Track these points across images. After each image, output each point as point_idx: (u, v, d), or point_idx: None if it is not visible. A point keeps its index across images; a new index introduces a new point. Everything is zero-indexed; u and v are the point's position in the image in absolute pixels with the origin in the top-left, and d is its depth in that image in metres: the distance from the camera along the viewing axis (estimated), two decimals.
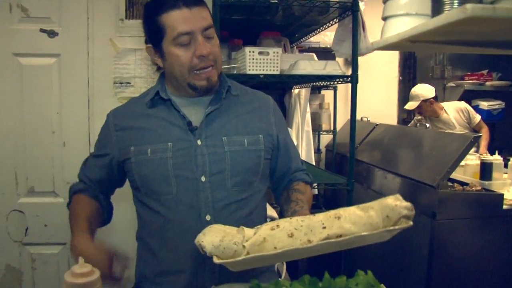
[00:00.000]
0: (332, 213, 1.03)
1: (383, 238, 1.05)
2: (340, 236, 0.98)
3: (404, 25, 0.92)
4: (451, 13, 0.73)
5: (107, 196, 1.49)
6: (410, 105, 4.10)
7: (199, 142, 1.30)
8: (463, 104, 4.13)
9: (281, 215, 1.41)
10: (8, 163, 2.21)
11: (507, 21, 0.72)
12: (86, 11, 2.20)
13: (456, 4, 0.77)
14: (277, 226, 1.01)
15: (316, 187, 2.95)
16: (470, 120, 4.08)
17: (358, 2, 2.22)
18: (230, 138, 1.33)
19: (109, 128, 1.39)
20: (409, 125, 4.38)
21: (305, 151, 3.52)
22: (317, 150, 4.22)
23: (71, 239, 1.24)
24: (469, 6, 0.70)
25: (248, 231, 1.02)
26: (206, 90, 1.32)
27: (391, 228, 1.00)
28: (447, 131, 3.90)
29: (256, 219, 1.13)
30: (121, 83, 2.23)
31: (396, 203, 1.02)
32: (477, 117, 4.08)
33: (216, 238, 1.00)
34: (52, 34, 2.17)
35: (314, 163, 3.56)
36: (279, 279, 0.94)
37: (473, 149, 3.59)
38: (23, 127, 2.21)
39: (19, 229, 2.25)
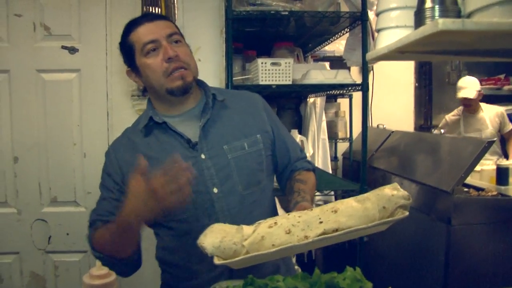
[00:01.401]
0: (329, 206, 1.05)
1: (380, 229, 1.05)
2: (337, 230, 0.99)
3: (395, 37, 0.96)
4: (426, 27, 0.78)
5: None
6: (470, 93, 3.92)
7: (203, 156, 1.34)
8: (500, 109, 4.10)
9: (289, 206, 1.42)
10: (32, 174, 2.30)
11: (477, 33, 0.76)
12: (105, 28, 2.29)
13: (437, 17, 0.82)
14: (275, 223, 1.03)
15: (331, 194, 2.98)
16: (502, 126, 4.04)
17: (367, 12, 2.26)
18: (231, 145, 1.37)
19: (114, 164, 1.39)
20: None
21: (322, 159, 3.55)
22: (334, 158, 4.24)
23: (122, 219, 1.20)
24: (440, 20, 0.75)
25: (247, 229, 1.03)
26: (183, 90, 1.34)
27: (387, 220, 1.00)
28: (471, 134, 3.90)
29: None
30: (138, 96, 2.30)
31: (393, 193, 1.03)
32: (510, 126, 4.05)
33: (216, 239, 1.03)
34: (72, 50, 2.27)
35: (330, 171, 3.58)
36: (274, 275, 0.98)
37: (496, 157, 3.58)
38: (46, 140, 2.29)
39: (42, 238, 2.32)
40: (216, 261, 1.01)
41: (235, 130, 1.40)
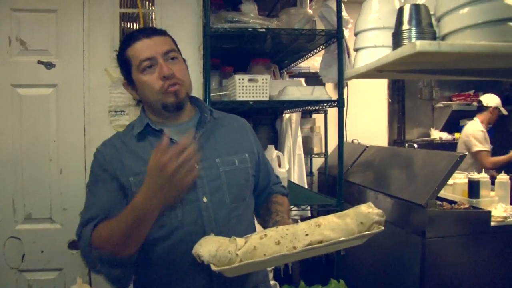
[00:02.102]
0: (313, 221, 1.16)
1: (359, 242, 1.17)
2: (321, 241, 1.10)
3: (373, 56, 1.01)
4: (404, 48, 0.82)
5: None
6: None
7: (196, 166, 1.36)
8: None
9: (263, 226, 1.53)
10: (6, 190, 2.24)
11: (452, 55, 0.81)
12: (82, 43, 2.27)
13: (414, 38, 0.86)
14: (265, 235, 1.13)
15: (308, 209, 3.01)
16: None
17: (343, 30, 2.31)
18: (223, 158, 1.42)
19: (104, 162, 1.39)
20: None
21: (297, 174, 3.57)
22: (310, 173, 4.28)
23: (137, 206, 1.21)
24: (418, 42, 0.79)
25: (240, 240, 1.13)
26: (176, 106, 1.39)
27: (365, 233, 1.12)
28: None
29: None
30: (116, 111, 2.29)
31: (368, 210, 1.15)
32: None
33: (212, 248, 1.11)
34: (49, 65, 2.25)
35: (306, 186, 3.61)
36: None
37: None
38: (21, 155, 2.25)
39: (16, 256, 2.26)
40: (214, 268, 1.09)
41: (227, 146, 1.46)
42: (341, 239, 1.10)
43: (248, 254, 1.09)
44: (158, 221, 1.33)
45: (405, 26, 0.88)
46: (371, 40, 1.06)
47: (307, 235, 1.11)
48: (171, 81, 1.35)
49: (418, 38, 0.85)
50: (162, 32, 1.43)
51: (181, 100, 1.39)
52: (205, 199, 1.36)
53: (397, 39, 0.90)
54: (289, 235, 1.12)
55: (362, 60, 1.07)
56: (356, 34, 1.12)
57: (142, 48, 1.35)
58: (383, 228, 1.15)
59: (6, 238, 2.26)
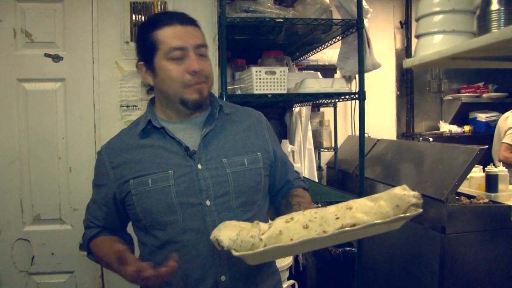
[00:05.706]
0: (343, 204, 1.07)
1: (395, 226, 1.08)
2: (354, 225, 1.01)
3: (441, 42, 0.91)
4: (508, 30, 0.72)
5: (123, 230, 1.47)
6: None
7: (199, 166, 1.29)
8: None
9: None
10: (13, 190, 2.16)
11: None
12: (91, 35, 2.18)
13: (504, 20, 0.77)
14: (291, 218, 1.05)
15: (319, 206, 2.93)
16: None
17: (363, 19, 2.22)
18: (230, 159, 1.32)
19: (105, 166, 1.36)
20: None
21: (308, 169, 3.50)
22: (318, 168, 4.20)
23: (124, 274, 1.18)
24: None
25: (263, 225, 1.05)
26: (197, 104, 1.32)
27: (402, 215, 1.03)
28: None
29: None
30: (127, 106, 2.20)
31: (404, 192, 1.06)
32: None
33: (232, 233, 1.03)
34: (56, 58, 2.15)
35: (316, 181, 3.53)
36: None
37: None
38: (28, 153, 2.16)
39: (25, 258, 2.18)
40: (235, 253, 1.01)
41: (237, 145, 1.36)
42: (375, 221, 1.02)
43: (273, 239, 1.01)
44: (158, 224, 1.29)
45: (494, 6, 0.79)
46: (438, 25, 0.96)
47: (337, 218, 1.02)
48: (198, 79, 1.28)
49: (510, 19, 0.76)
50: (195, 23, 1.34)
51: (204, 98, 1.32)
52: (208, 202, 1.27)
53: (484, 22, 0.81)
54: (318, 219, 1.03)
55: (426, 47, 0.97)
56: (417, 20, 1.02)
57: (175, 35, 1.27)
58: (421, 210, 1.06)
59: (14, 240, 2.18)
